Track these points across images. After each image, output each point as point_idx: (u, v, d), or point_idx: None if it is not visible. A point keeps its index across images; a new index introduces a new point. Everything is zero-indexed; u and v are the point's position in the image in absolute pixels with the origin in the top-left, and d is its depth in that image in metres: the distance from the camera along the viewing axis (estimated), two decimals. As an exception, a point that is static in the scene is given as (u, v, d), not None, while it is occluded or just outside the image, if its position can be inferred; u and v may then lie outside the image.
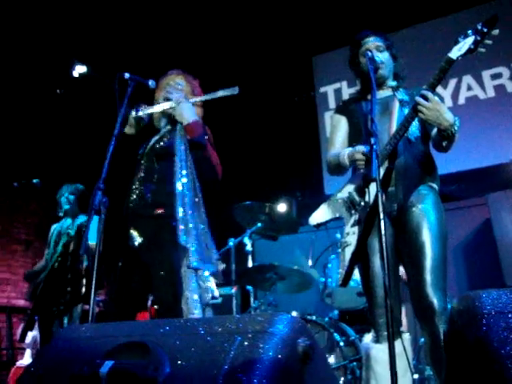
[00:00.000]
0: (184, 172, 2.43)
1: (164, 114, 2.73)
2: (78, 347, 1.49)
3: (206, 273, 2.34)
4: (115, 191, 2.23)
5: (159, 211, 2.43)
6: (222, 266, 2.44)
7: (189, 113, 2.54)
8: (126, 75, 2.45)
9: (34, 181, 3.92)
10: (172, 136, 2.59)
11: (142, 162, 2.62)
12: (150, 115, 2.70)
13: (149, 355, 1.27)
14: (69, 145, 6.43)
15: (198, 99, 2.67)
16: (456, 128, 2.05)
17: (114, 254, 2.52)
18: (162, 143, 2.63)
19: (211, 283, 2.35)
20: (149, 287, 2.43)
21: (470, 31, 1.98)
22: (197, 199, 2.44)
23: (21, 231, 6.82)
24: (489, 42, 1.95)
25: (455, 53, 1.98)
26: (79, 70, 6.23)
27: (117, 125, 2.34)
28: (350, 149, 2.24)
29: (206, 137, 2.56)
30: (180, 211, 2.35)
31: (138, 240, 2.47)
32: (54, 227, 4.10)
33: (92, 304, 1.98)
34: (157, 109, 2.65)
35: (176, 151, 2.49)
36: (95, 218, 2.06)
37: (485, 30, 1.93)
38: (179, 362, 1.25)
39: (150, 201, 2.47)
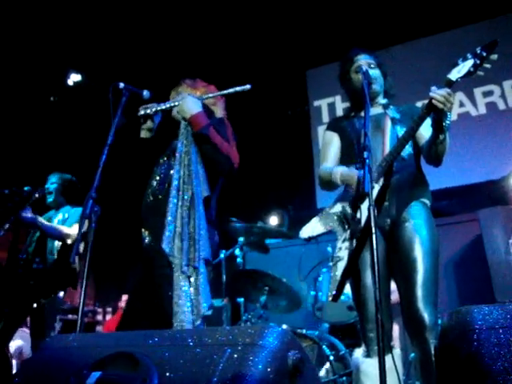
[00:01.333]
0: (183, 181, 2.38)
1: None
2: (65, 357, 1.46)
3: (193, 280, 2.23)
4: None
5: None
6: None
7: (191, 106, 2.47)
8: (121, 85, 2.45)
9: (26, 188, 3.87)
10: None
11: (161, 161, 2.59)
12: (163, 115, 2.63)
13: (137, 366, 1.26)
14: (62, 153, 6.41)
15: (205, 96, 2.61)
16: (449, 120, 2.07)
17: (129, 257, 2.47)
18: (178, 144, 2.53)
19: (205, 290, 2.24)
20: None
21: (468, 54, 2.01)
22: (191, 197, 2.34)
23: (9, 238, 6.74)
24: (488, 66, 1.97)
25: (455, 74, 2.00)
26: (74, 78, 6.25)
27: (110, 134, 2.33)
28: (344, 168, 2.25)
29: (210, 128, 2.43)
30: (170, 212, 2.29)
31: (147, 239, 2.44)
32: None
33: (80, 314, 1.96)
34: (163, 106, 2.56)
35: (177, 155, 2.43)
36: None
37: (484, 54, 1.96)
38: (168, 374, 1.23)
39: (161, 201, 2.41)
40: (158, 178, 2.52)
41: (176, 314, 2.13)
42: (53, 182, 3.88)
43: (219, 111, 2.72)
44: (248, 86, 2.56)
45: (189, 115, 2.45)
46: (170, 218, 2.28)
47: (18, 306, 3.55)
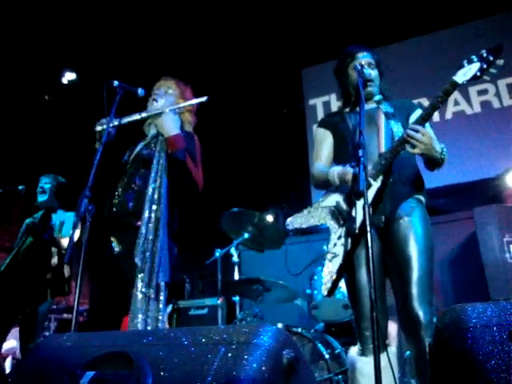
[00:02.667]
0: (157, 183, 2.38)
1: (152, 119, 2.67)
2: (59, 357, 1.46)
3: (153, 303, 2.24)
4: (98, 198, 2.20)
5: (139, 223, 2.35)
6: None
7: (170, 125, 2.47)
8: (115, 83, 2.44)
9: (20, 187, 3.84)
10: (156, 144, 2.53)
11: (127, 167, 2.57)
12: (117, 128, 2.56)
13: (131, 366, 1.25)
14: (56, 151, 6.39)
15: (175, 107, 2.59)
16: (444, 154, 2.10)
17: (94, 261, 2.48)
18: (147, 150, 2.56)
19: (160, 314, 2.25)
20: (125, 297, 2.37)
21: (474, 57, 2.00)
22: (158, 217, 2.35)
23: (5, 238, 6.73)
24: (494, 71, 1.97)
25: (460, 77, 2.00)
26: (68, 76, 6.22)
27: (104, 133, 2.32)
28: (340, 168, 2.24)
29: (186, 153, 2.45)
30: (143, 226, 2.29)
31: (117, 248, 2.43)
32: (26, 222, 3.92)
33: (75, 313, 1.95)
34: (121, 121, 2.53)
35: (154, 163, 2.42)
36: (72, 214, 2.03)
37: (490, 58, 1.95)
38: (162, 373, 1.22)
39: (131, 209, 2.42)
40: (126, 186, 2.49)
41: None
42: (47, 182, 3.85)
43: (188, 124, 2.71)
44: (204, 98, 2.57)
45: (167, 135, 2.46)
46: (143, 231, 2.28)
47: (11, 309, 3.53)
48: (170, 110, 2.55)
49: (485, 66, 1.96)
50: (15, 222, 6.78)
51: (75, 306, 1.97)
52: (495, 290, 4.00)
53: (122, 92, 2.45)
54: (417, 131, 2.02)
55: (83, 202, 2.07)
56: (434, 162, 2.15)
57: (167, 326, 2.29)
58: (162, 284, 2.27)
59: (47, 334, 3.77)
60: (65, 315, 5.40)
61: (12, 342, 4.77)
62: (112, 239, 2.45)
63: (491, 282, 4.06)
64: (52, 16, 5.51)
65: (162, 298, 2.25)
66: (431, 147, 2.04)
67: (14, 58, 5.83)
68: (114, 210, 2.46)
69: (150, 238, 2.29)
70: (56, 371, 1.38)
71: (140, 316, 2.17)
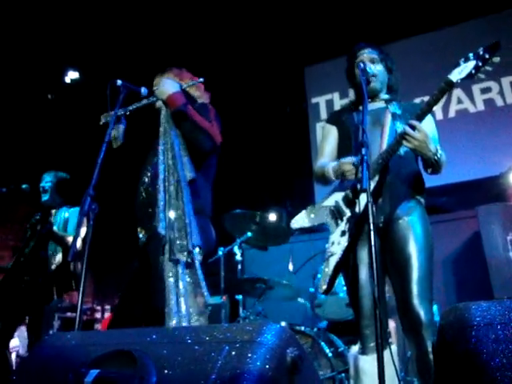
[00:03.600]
0: (165, 157, 2.34)
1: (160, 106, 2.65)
2: (63, 355, 1.46)
3: (187, 266, 2.16)
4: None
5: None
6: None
7: (168, 86, 2.45)
8: (118, 82, 2.43)
9: (23, 186, 3.85)
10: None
11: (149, 156, 2.56)
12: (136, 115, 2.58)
13: (135, 364, 1.25)
14: (59, 150, 6.40)
15: (185, 85, 2.57)
16: (439, 157, 2.09)
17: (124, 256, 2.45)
18: (164, 137, 2.51)
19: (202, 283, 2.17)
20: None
21: (471, 55, 1.99)
22: (177, 183, 2.31)
23: (9, 237, 6.76)
24: (489, 68, 1.97)
25: (455, 75, 1.99)
26: (71, 75, 6.23)
27: (108, 131, 2.32)
28: (335, 163, 2.25)
29: (188, 106, 2.41)
30: (160, 199, 2.25)
31: (143, 238, 2.42)
32: (33, 220, 3.91)
33: (78, 312, 1.96)
34: (124, 110, 2.52)
35: (160, 143, 2.40)
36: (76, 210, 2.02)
37: (486, 55, 1.94)
38: (166, 372, 1.23)
39: (151, 194, 2.39)
40: (149, 174, 2.50)
41: (168, 312, 2.09)
42: (48, 181, 3.85)
43: (202, 100, 2.69)
44: (201, 79, 2.58)
45: (166, 95, 2.44)
46: (161, 204, 2.25)
47: (19, 307, 3.54)
48: (166, 78, 2.56)
49: (480, 64, 1.95)
50: (19, 221, 6.80)
51: (79, 304, 1.97)
52: (499, 289, 3.99)
53: (125, 91, 2.45)
54: (414, 127, 2.02)
55: (87, 201, 2.07)
56: (428, 163, 2.16)
57: (206, 295, 2.16)
58: (197, 249, 2.20)
59: (51, 332, 3.77)
60: (68, 314, 5.41)
61: (15, 341, 4.78)
62: (139, 229, 2.45)
63: (495, 281, 4.06)
64: (55, 15, 5.52)
65: (197, 263, 2.17)
66: (424, 145, 2.04)
67: (17, 57, 5.83)
68: (139, 199, 2.47)
69: (172, 207, 2.24)
70: (60, 369, 1.39)
71: (171, 282, 2.10)
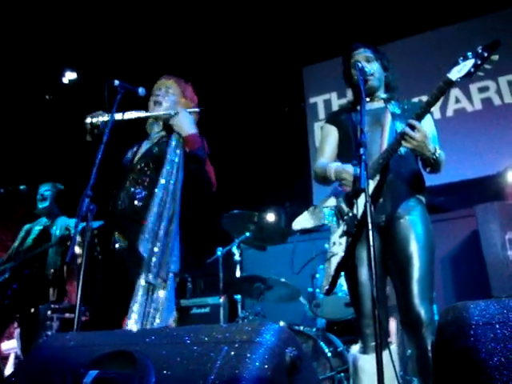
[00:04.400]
0: (170, 182, 2.38)
1: (157, 119, 2.69)
2: (62, 356, 1.46)
3: (161, 292, 2.24)
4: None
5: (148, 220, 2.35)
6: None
7: (188, 124, 2.50)
8: (116, 82, 2.43)
9: (21, 187, 3.85)
10: (168, 143, 2.54)
11: (134, 165, 2.56)
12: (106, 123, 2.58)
13: (134, 365, 1.25)
14: (57, 151, 6.39)
15: (190, 111, 2.63)
16: (437, 156, 2.09)
17: (96, 259, 2.47)
18: (157, 148, 2.57)
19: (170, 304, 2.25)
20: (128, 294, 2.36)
21: (469, 53, 1.99)
22: (173, 212, 2.38)
23: (8, 238, 6.74)
24: (488, 66, 1.97)
25: (454, 74, 2.00)
26: (69, 76, 6.22)
27: (105, 132, 2.32)
28: (338, 165, 2.25)
29: (204, 150, 2.50)
30: (150, 220, 2.29)
31: (121, 243, 2.42)
32: (25, 227, 3.93)
33: (77, 312, 1.95)
34: (144, 114, 2.58)
35: (167, 160, 2.44)
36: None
37: (485, 54, 1.95)
38: (165, 372, 1.23)
39: (140, 207, 2.41)
40: (134, 183, 2.49)
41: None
42: (47, 189, 3.87)
43: (195, 116, 2.73)
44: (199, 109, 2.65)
45: (185, 133, 2.48)
46: (150, 225, 2.28)
47: (8, 310, 3.53)
48: (183, 110, 2.57)
49: (479, 62, 1.96)
50: (18, 221, 6.79)
51: (77, 305, 1.97)
52: (497, 288, 4.00)
53: (122, 91, 2.45)
54: (413, 127, 2.02)
55: (85, 202, 2.07)
56: (426, 162, 2.17)
57: (174, 315, 2.26)
58: (171, 275, 2.28)
59: (49, 333, 3.77)
60: (67, 314, 5.40)
61: (13, 342, 4.78)
62: (116, 235, 2.44)
63: (493, 280, 4.06)
64: (52, 15, 5.51)
65: (169, 288, 2.25)
66: (423, 145, 2.05)
67: (15, 57, 5.82)
68: (121, 206, 2.45)
69: (161, 232, 2.28)
70: (59, 370, 1.39)
71: (137, 308, 2.16)
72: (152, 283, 2.22)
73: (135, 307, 2.16)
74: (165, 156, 2.47)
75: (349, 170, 2.16)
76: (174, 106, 2.63)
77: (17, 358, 4.82)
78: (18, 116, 6.32)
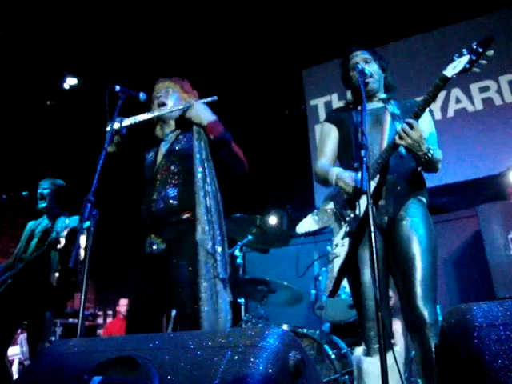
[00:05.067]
0: (205, 175, 2.36)
1: (166, 120, 2.66)
2: (66, 362, 1.46)
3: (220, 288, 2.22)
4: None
5: (186, 215, 2.34)
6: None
7: (206, 112, 2.46)
8: (117, 88, 2.43)
9: (23, 193, 3.84)
10: (188, 138, 2.52)
11: (159, 165, 2.53)
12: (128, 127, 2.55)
13: (138, 370, 1.25)
14: (59, 157, 6.40)
15: (204, 100, 2.56)
16: (429, 156, 2.09)
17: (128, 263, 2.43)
18: (179, 145, 2.54)
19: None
20: (167, 296, 2.34)
21: (464, 50, 2.01)
22: (219, 204, 2.38)
23: (9, 244, 6.75)
24: (484, 62, 1.98)
25: (450, 71, 2.01)
26: (70, 81, 6.24)
27: (107, 138, 2.32)
28: (339, 171, 2.25)
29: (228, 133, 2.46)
30: (204, 217, 2.27)
31: (159, 245, 2.38)
32: (30, 224, 3.90)
33: (80, 318, 1.95)
34: (134, 120, 2.52)
35: (195, 153, 2.41)
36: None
37: (480, 49, 1.96)
38: (169, 377, 1.23)
39: (176, 205, 2.38)
40: (164, 183, 2.45)
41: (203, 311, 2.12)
42: (45, 188, 3.82)
43: None
44: (215, 98, 2.55)
45: (206, 122, 2.44)
46: (203, 218, 2.27)
47: (15, 315, 3.51)
48: (195, 101, 2.54)
49: (474, 58, 1.97)
50: (20, 227, 6.79)
51: (81, 310, 1.97)
52: (501, 288, 3.99)
53: (123, 97, 2.45)
54: (411, 126, 2.03)
55: (87, 207, 2.07)
56: (418, 161, 2.17)
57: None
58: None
59: (53, 338, 3.77)
60: (70, 320, 5.41)
61: (16, 348, 4.78)
62: (153, 237, 2.41)
63: (497, 280, 4.05)
64: (53, 21, 5.52)
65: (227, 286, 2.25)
66: (417, 144, 2.05)
67: (16, 63, 5.84)
68: (155, 208, 2.41)
69: (216, 227, 2.28)
70: (63, 376, 1.39)
71: (209, 302, 2.14)
72: (221, 277, 2.20)
73: (204, 307, 2.12)
74: (189, 151, 2.45)
75: (349, 181, 2.15)
76: (179, 103, 2.61)
77: (20, 363, 4.83)
78: (20, 122, 6.33)
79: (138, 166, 2.66)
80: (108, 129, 2.43)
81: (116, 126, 2.45)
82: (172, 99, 2.64)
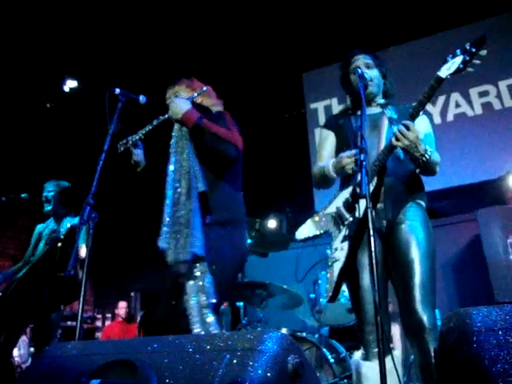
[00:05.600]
0: (180, 158, 2.39)
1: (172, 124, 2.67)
2: (64, 365, 1.46)
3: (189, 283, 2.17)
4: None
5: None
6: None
7: (180, 105, 2.44)
8: (117, 91, 2.44)
9: (23, 195, 3.84)
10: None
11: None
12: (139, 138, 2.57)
13: (136, 374, 1.25)
14: (58, 159, 6.40)
15: (195, 95, 2.59)
16: (427, 158, 2.09)
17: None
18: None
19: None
20: None
21: (458, 51, 2.01)
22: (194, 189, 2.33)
23: (9, 246, 6.75)
24: (477, 62, 1.98)
25: (444, 72, 2.01)
26: (70, 84, 6.25)
27: (107, 140, 2.33)
28: (335, 159, 2.26)
29: (203, 120, 2.40)
30: (167, 209, 2.29)
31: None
32: (38, 228, 3.90)
33: (79, 320, 1.95)
34: (140, 134, 2.53)
35: (172, 142, 2.45)
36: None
37: (473, 50, 1.96)
38: (167, 381, 1.22)
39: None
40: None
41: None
42: (50, 190, 3.82)
43: (216, 108, 2.69)
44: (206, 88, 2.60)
45: (180, 115, 2.42)
46: (167, 213, 2.27)
47: (23, 317, 3.51)
48: (175, 97, 2.55)
49: (467, 58, 1.97)
50: (19, 230, 6.81)
51: (79, 313, 1.97)
52: (500, 292, 3.99)
53: (123, 99, 2.45)
54: (407, 127, 2.03)
55: (86, 210, 2.07)
56: (415, 163, 2.17)
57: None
58: (200, 263, 2.19)
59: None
60: (69, 322, 5.40)
61: (14, 351, 4.75)
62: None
63: (496, 284, 4.05)
64: (53, 24, 5.53)
65: (202, 278, 2.17)
66: (414, 145, 2.05)
67: (16, 66, 5.85)
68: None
69: (178, 213, 2.25)
70: (61, 379, 1.38)
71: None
72: (180, 272, 2.16)
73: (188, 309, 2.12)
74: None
75: (346, 153, 2.16)
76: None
77: (18, 366, 4.81)
78: (20, 124, 6.34)
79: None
80: (122, 149, 2.49)
81: (124, 146, 2.49)
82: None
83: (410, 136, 2.04)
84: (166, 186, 2.42)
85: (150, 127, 2.53)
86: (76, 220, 3.75)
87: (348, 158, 2.15)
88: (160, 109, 2.77)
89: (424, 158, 2.11)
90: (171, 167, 2.39)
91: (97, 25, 5.66)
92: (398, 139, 2.06)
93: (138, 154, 2.56)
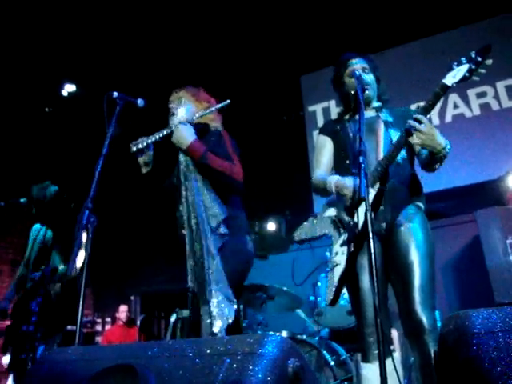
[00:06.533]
0: (190, 192, 2.44)
1: None
2: (64, 370, 1.45)
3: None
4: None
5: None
6: None
7: (184, 135, 2.45)
8: (115, 94, 2.44)
9: (22, 200, 3.83)
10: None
11: (179, 176, 2.56)
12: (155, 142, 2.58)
13: (136, 378, 1.25)
14: (57, 164, 6.40)
15: (197, 115, 2.58)
16: (447, 151, 2.08)
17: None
18: (184, 158, 2.56)
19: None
20: None
21: (463, 59, 2.01)
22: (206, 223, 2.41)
23: (8, 251, 6.74)
24: (483, 71, 1.98)
25: (450, 79, 2.01)
26: (68, 88, 6.25)
27: (105, 144, 2.32)
28: (339, 179, 2.23)
29: (208, 155, 2.42)
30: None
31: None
32: (33, 229, 3.86)
33: (78, 325, 1.95)
34: (153, 138, 2.51)
35: (180, 175, 2.51)
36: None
37: (479, 59, 1.96)
38: (167, 385, 1.22)
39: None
40: (183, 214, 2.49)
41: None
42: (38, 195, 3.81)
43: (215, 123, 2.69)
44: (228, 101, 2.59)
45: (185, 146, 2.44)
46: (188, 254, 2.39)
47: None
48: (180, 123, 2.52)
49: (473, 67, 1.97)
50: (18, 234, 6.79)
51: (79, 317, 1.96)
52: (500, 293, 3.99)
53: (122, 103, 2.45)
54: (420, 122, 2.01)
55: (85, 214, 2.07)
56: (435, 158, 2.13)
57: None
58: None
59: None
60: (68, 327, 5.38)
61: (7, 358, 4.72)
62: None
63: (496, 285, 4.05)
64: (51, 28, 5.54)
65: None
66: (433, 137, 2.03)
67: (14, 70, 5.85)
68: (180, 235, 2.48)
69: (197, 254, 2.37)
70: (61, 385, 1.38)
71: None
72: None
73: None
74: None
75: (349, 185, 2.14)
76: (190, 114, 2.62)
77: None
78: (18, 128, 6.33)
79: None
80: (134, 149, 2.49)
81: (138, 146, 2.49)
82: (184, 108, 2.66)
83: (425, 129, 2.01)
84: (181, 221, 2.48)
85: (166, 132, 2.52)
86: None
87: (349, 191, 2.13)
88: (158, 112, 2.77)
89: (445, 151, 2.09)
90: (185, 204, 2.44)
91: (95, 29, 5.67)
92: (412, 136, 2.04)
93: (149, 155, 2.57)
